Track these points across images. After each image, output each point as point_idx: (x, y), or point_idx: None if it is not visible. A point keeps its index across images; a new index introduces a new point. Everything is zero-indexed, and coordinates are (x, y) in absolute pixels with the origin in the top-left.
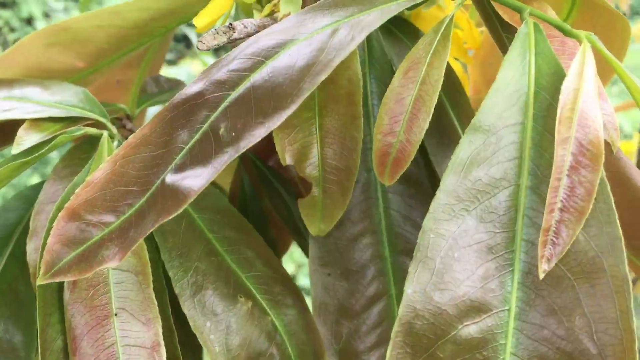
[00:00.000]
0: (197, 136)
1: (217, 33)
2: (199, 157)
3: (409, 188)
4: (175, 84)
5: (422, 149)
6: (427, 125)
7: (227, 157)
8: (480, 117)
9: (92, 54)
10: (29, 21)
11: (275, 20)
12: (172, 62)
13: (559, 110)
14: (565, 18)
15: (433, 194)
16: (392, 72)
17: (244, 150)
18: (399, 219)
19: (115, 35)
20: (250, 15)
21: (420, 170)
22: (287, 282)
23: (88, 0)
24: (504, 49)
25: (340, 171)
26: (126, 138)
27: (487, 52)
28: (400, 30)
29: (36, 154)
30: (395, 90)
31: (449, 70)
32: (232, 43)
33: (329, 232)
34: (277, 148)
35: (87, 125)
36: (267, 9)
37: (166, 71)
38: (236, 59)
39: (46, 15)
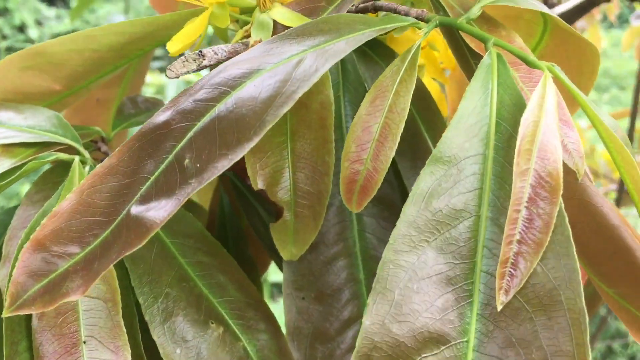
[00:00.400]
0: (162, 166)
1: (187, 60)
2: (163, 188)
3: (383, 210)
4: (153, 104)
5: (396, 172)
6: (393, 153)
7: (190, 189)
8: (442, 148)
9: (68, 77)
10: (21, 28)
11: (246, 46)
12: (163, 70)
13: (518, 142)
14: (538, 42)
15: None
16: None
17: (207, 182)
18: (373, 241)
19: (90, 58)
20: (225, 38)
21: (395, 193)
22: (260, 306)
23: (80, 8)
24: (471, 77)
25: (312, 195)
26: (100, 161)
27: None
28: (375, 53)
29: (7, 180)
30: (363, 118)
31: (424, 92)
32: (203, 70)
33: (303, 256)
34: (249, 172)
35: (60, 150)
36: (240, 34)
37: (158, 78)
38: (203, 88)
39: (38, 22)
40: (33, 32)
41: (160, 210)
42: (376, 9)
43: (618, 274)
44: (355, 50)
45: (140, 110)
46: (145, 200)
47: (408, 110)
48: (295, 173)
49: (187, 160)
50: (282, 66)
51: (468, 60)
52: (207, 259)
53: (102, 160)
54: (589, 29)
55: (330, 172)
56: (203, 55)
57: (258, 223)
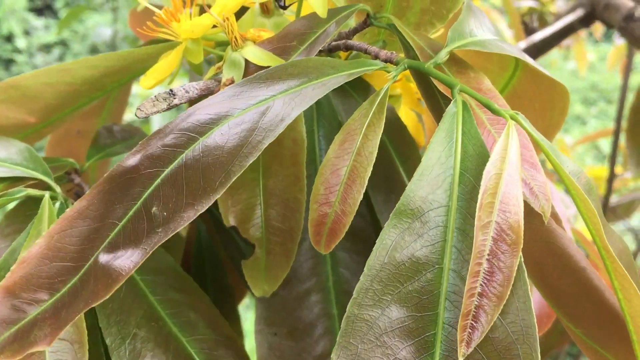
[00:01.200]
0: (130, 213)
1: (157, 100)
2: (131, 236)
3: (357, 244)
4: (130, 133)
5: (369, 205)
6: (361, 197)
7: (157, 239)
8: (406, 201)
9: (42, 109)
10: (9, 38)
11: (219, 82)
12: None
13: (480, 196)
14: (511, 76)
15: None
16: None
17: (174, 232)
18: (347, 275)
19: (64, 91)
20: (200, 71)
21: (368, 226)
22: (232, 343)
23: (68, 20)
24: (439, 118)
25: (284, 232)
26: (73, 193)
27: None
28: (351, 86)
29: None
30: (331, 161)
31: (399, 124)
32: (173, 108)
33: (275, 291)
34: (221, 209)
35: (31, 184)
36: (212, 71)
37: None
38: (172, 132)
39: (26, 32)
40: (21, 41)
41: (127, 260)
42: (347, 48)
43: (585, 315)
44: None
45: (116, 140)
46: (113, 248)
47: (376, 154)
48: (267, 210)
49: (154, 208)
50: (249, 113)
51: (437, 102)
52: (178, 296)
53: (75, 193)
54: (575, 45)
55: (302, 209)
56: (174, 94)
57: (235, 253)
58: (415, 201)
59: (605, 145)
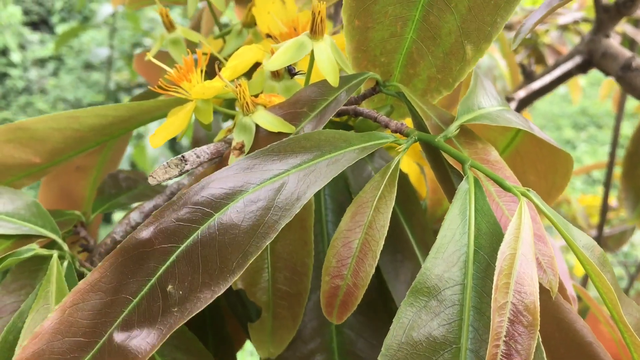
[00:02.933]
0: (145, 290)
1: (169, 166)
2: (146, 314)
3: (361, 305)
4: (134, 182)
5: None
6: (373, 270)
7: (173, 320)
8: (422, 279)
9: (49, 151)
10: (4, 52)
11: (229, 144)
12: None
13: (495, 277)
14: (514, 137)
15: (385, 311)
16: (347, 189)
17: (190, 316)
18: (351, 336)
19: (71, 137)
20: (209, 128)
21: (373, 287)
22: None
23: (66, 38)
24: (450, 193)
25: (291, 296)
26: (80, 246)
27: None
28: None
29: None
30: (343, 233)
31: (403, 181)
32: (185, 173)
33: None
34: None
35: (39, 241)
36: (222, 133)
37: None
38: (186, 206)
39: (21, 46)
40: (16, 55)
41: (143, 341)
42: (357, 114)
43: None
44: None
45: (120, 190)
46: (127, 326)
47: (388, 226)
48: (275, 274)
49: (170, 287)
50: (264, 189)
51: (446, 173)
52: (184, 357)
53: (81, 246)
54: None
55: (309, 273)
56: (185, 160)
57: (235, 301)
58: (432, 279)
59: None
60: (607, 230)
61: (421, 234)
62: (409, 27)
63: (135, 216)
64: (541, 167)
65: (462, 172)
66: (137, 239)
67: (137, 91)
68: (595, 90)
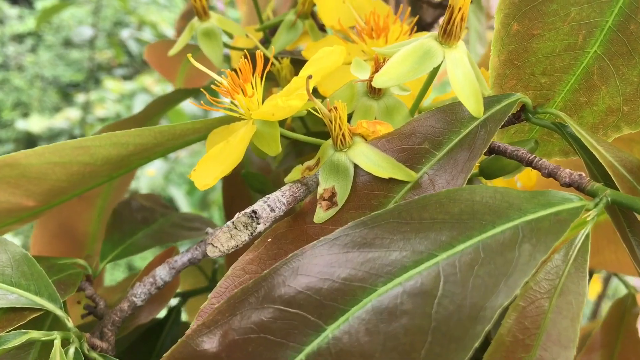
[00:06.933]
0: None
1: (235, 228)
2: None
3: None
4: (151, 212)
5: None
6: None
7: None
8: None
9: (46, 192)
10: None
11: (307, 187)
12: (127, 78)
13: None
14: None
15: None
16: None
17: None
18: None
19: (79, 172)
20: (264, 155)
21: None
22: None
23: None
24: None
25: None
26: (86, 308)
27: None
28: None
29: None
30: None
31: None
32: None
33: None
34: None
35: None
36: (297, 171)
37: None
38: (267, 301)
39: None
40: None
41: None
42: (493, 152)
43: None
44: None
45: (136, 225)
46: None
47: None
48: None
49: None
50: (405, 287)
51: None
52: None
53: (86, 308)
54: None
55: None
56: (257, 217)
57: None
58: None
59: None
60: None
61: None
62: (595, 37)
63: (162, 273)
64: None
65: None
66: (198, 352)
67: (119, 71)
68: None
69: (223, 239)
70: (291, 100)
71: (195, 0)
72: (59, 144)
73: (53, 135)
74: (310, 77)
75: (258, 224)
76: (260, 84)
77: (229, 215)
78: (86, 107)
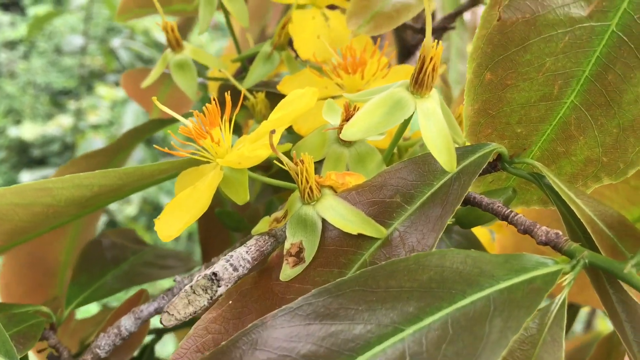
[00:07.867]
0: None
1: (194, 292)
2: None
3: None
4: (122, 250)
5: None
6: None
7: None
8: None
9: (10, 232)
10: None
11: (275, 239)
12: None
13: None
14: None
15: None
16: None
17: None
18: None
19: (42, 213)
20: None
21: None
22: None
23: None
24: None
25: None
26: (49, 358)
27: None
28: None
29: None
30: None
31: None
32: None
33: None
34: None
35: None
36: (265, 223)
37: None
38: None
39: None
40: None
41: None
42: (468, 203)
43: None
44: None
45: (105, 265)
46: None
47: None
48: None
49: None
50: None
51: (615, 308)
52: None
53: (49, 358)
54: None
55: None
56: (218, 279)
57: None
58: None
59: None
60: None
61: None
62: (572, 87)
63: (127, 324)
64: None
65: None
66: None
67: (112, 77)
68: None
69: (180, 305)
70: (257, 150)
71: (168, 32)
72: (19, 186)
73: (46, 142)
74: (273, 131)
75: (219, 286)
76: (229, 129)
77: (205, 252)
78: (78, 114)
